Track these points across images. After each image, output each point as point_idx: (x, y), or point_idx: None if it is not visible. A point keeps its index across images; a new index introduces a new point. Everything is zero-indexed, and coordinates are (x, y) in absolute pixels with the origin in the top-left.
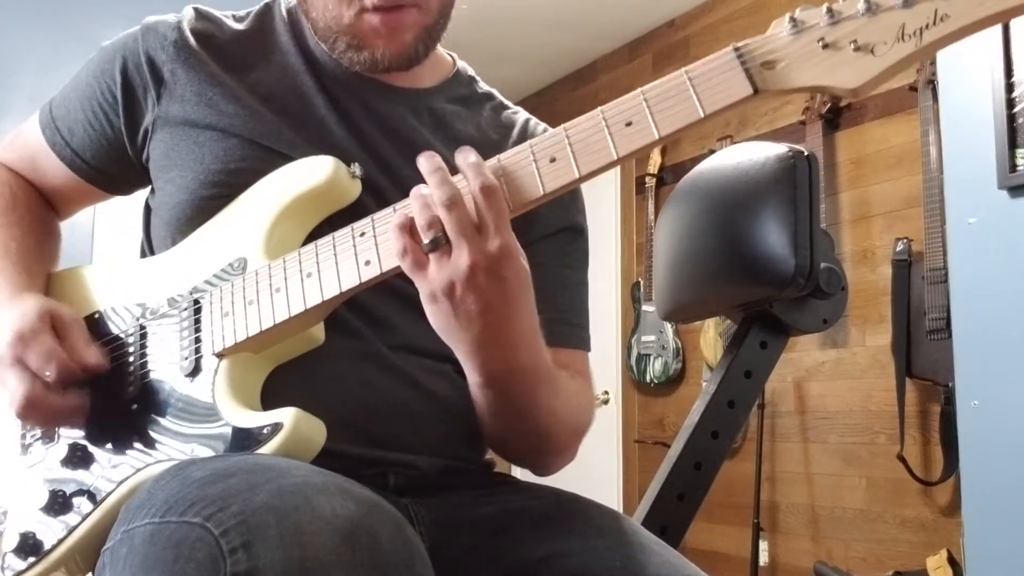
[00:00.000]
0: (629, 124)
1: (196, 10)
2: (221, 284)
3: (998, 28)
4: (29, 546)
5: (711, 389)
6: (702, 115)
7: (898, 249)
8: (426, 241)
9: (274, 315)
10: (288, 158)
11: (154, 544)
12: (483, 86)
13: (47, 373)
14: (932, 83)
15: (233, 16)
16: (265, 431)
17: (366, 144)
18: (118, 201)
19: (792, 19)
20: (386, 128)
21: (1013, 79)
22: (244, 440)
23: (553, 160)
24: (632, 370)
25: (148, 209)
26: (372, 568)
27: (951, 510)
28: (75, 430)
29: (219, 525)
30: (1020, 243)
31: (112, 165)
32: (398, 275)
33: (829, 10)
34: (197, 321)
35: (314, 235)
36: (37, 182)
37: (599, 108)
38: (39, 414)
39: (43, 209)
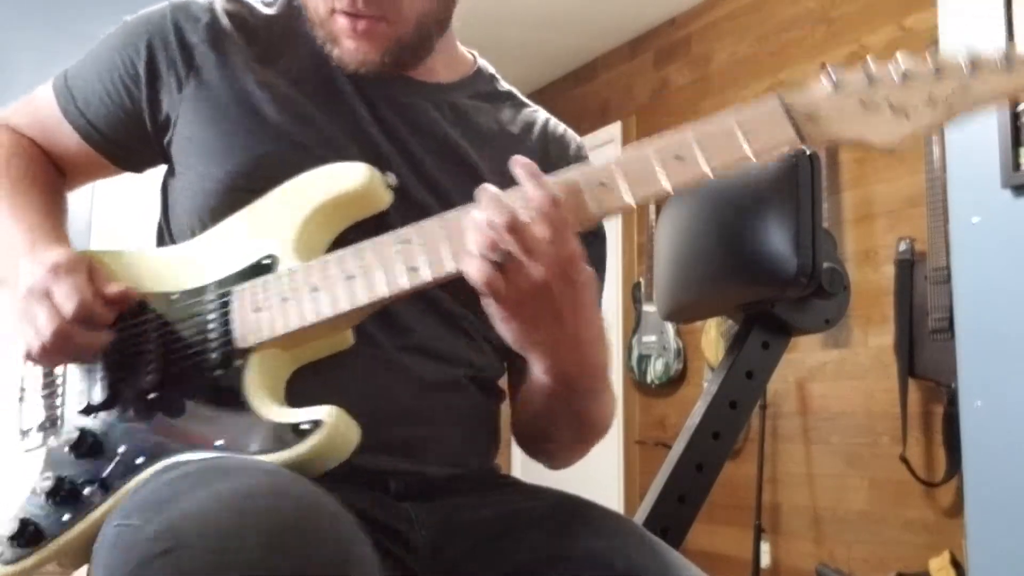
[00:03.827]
0: (679, 158)
1: None
2: (251, 279)
3: (1002, 27)
4: (29, 534)
5: (713, 390)
6: (750, 156)
7: (901, 249)
8: (494, 259)
9: (313, 313)
10: (316, 148)
11: (111, 547)
12: (504, 84)
13: (69, 306)
14: None
15: (263, 1)
16: (305, 426)
17: (391, 134)
18: (115, 193)
19: (832, 78)
20: (407, 119)
21: None
22: (284, 434)
23: (603, 184)
24: (633, 371)
25: (165, 189)
26: (300, 571)
27: (954, 511)
28: (83, 419)
29: (153, 529)
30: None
31: (127, 139)
32: (446, 282)
33: (866, 72)
34: (225, 314)
35: (338, 240)
36: (48, 150)
37: (650, 143)
38: (69, 348)
39: (55, 176)
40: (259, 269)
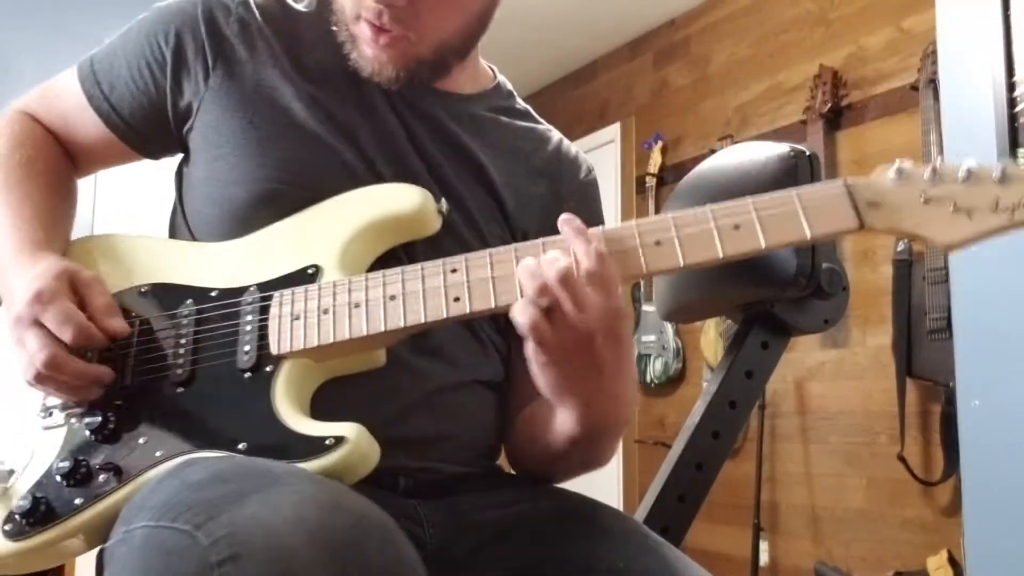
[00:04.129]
0: (737, 227)
1: None
2: (293, 287)
3: (999, 27)
4: (40, 512)
5: (712, 389)
6: (808, 237)
7: (899, 249)
8: (543, 305)
9: (350, 329)
10: (343, 151)
11: (148, 549)
12: (521, 103)
13: (65, 335)
14: (933, 83)
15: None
16: (328, 442)
17: (415, 140)
18: (117, 192)
19: (899, 170)
20: (430, 126)
21: (1015, 79)
22: (306, 447)
23: (658, 243)
24: None
25: (182, 179)
26: None
27: (952, 510)
28: (107, 403)
29: (209, 535)
30: (1021, 243)
31: (149, 126)
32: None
33: (933, 169)
34: (263, 319)
35: (381, 258)
36: (64, 136)
37: (708, 207)
38: (59, 377)
39: (63, 166)
40: (302, 277)
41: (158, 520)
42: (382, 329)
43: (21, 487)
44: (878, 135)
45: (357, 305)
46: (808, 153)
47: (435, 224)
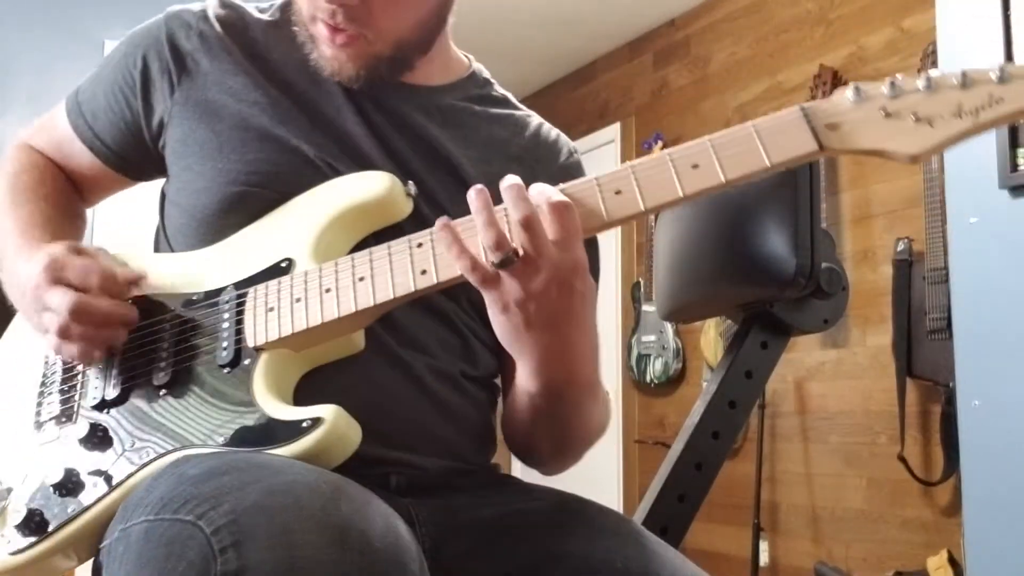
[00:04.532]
0: (696, 166)
1: None
2: (267, 281)
3: (999, 26)
4: (35, 523)
5: (712, 389)
6: (768, 164)
7: (899, 249)
8: (497, 260)
9: (322, 314)
10: (302, 149)
11: (148, 542)
12: (499, 89)
13: (92, 281)
14: None
15: (257, 8)
16: (305, 424)
17: (379, 135)
18: (116, 199)
19: (856, 88)
20: (396, 122)
21: None
22: (284, 432)
23: (619, 192)
24: (632, 370)
25: (164, 197)
26: (361, 569)
27: (952, 510)
28: (99, 411)
29: (210, 524)
30: (1021, 243)
31: (131, 150)
32: (451, 286)
33: (891, 83)
34: (239, 314)
35: (356, 249)
36: (64, 166)
37: (666, 151)
38: (87, 323)
39: (70, 191)
40: (276, 271)
41: (158, 514)
42: (353, 310)
43: (18, 503)
44: None
45: (328, 290)
46: None
47: (406, 208)
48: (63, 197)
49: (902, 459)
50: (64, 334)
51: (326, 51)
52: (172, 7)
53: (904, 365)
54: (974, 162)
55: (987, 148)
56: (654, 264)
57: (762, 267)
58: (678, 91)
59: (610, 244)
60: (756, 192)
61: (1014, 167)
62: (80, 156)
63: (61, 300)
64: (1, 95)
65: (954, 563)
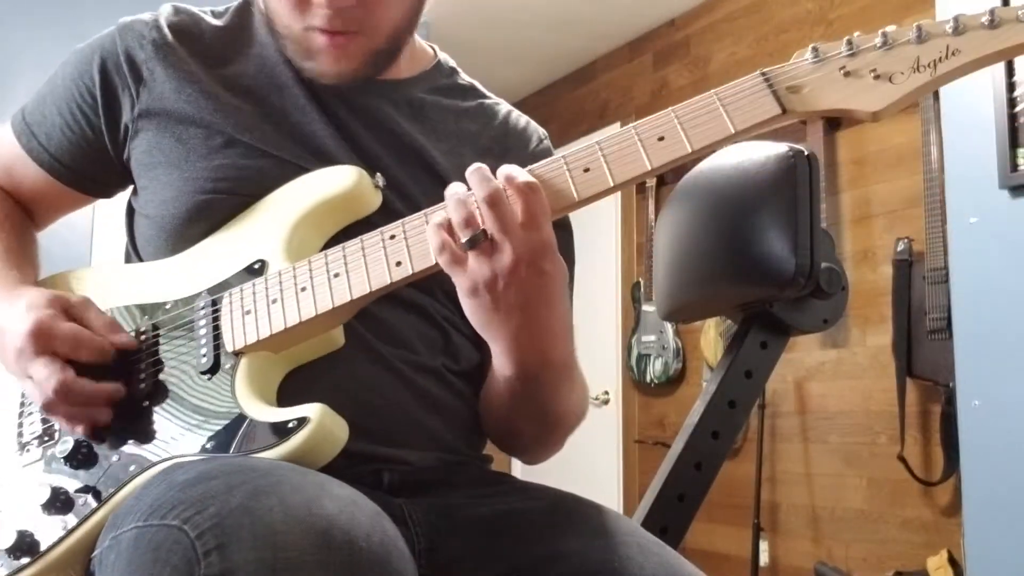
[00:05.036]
0: (662, 139)
1: (174, 6)
2: (241, 284)
3: None
4: (26, 544)
5: (711, 389)
6: (733, 131)
7: (899, 249)
8: (464, 239)
9: (299, 313)
10: (269, 153)
11: (137, 548)
12: (465, 78)
13: (82, 355)
14: None
15: (212, 12)
16: (291, 424)
17: (346, 134)
18: (118, 201)
19: (814, 49)
20: (365, 119)
21: (1014, 79)
22: (270, 434)
23: (587, 170)
24: (632, 370)
25: (131, 211)
26: (346, 568)
27: (952, 510)
28: (86, 426)
29: (195, 527)
30: (1021, 243)
31: (93, 167)
32: (428, 276)
33: (849, 42)
34: (216, 319)
35: (329, 245)
36: (13, 190)
37: (631, 125)
38: (71, 402)
39: (23, 217)
40: (250, 273)
41: (147, 520)
42: (331, 306)
43: (9, 524)
44: (877, 135)
45: (303, 288)
46: (807, 153)
47: (375, 200)
48: (19, 225)
49: (902, 459)
50: (47, 408)
51: (326, 59)
52: (124, 19)
53: (904, 365)
54: (974, 162)
55: (987, 148)
56: (654, 264)
57: (762, 267)
58: (678, 91)
59: (610, 244)
60: (756, 192)
61: (1014, 167)
62: (35, 177)
63: (48, 377)
64: (1, 95)
65: (954, 563)
